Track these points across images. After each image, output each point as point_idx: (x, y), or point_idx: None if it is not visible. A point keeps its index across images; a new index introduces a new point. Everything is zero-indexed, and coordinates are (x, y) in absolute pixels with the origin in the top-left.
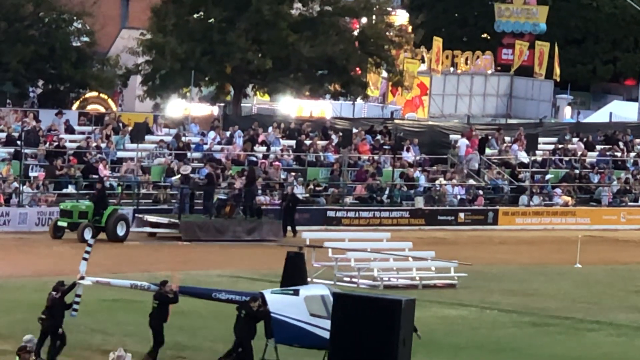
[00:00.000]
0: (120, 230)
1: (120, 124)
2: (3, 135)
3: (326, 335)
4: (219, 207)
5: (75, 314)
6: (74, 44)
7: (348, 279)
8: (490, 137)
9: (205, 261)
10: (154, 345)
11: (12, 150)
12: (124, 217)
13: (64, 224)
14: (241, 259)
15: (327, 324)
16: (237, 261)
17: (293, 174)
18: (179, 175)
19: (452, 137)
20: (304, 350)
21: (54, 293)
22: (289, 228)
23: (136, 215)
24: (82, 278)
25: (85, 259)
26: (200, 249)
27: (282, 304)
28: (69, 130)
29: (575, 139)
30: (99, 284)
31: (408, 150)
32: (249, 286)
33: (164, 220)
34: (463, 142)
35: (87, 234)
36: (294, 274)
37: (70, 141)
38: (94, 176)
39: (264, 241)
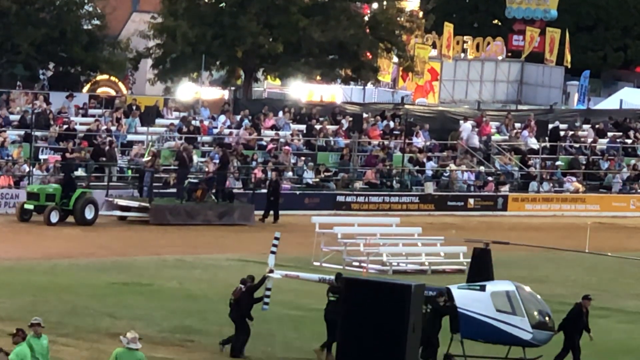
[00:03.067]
0: (89, 214)
1: (134, 107)
2: (14, 117)
3: (512, 330)
4: (190, 190)
5: (267, 308)
6: (85, 27)
7: (357, 264)
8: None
9: (215, 245)
10: (327, 341)
11: (22, 132)
12: (92, 200)
13: (31, 207)
14: (250, 242)
15: (512, 319)
16: (245, 245)
17: (303, 158)
18: (149, 157)
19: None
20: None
21: (241, 286)
22: (271, 213)
23: (106, 198)
24: (271, 271)
25: (273, 252)
26: (210, 233)
27: (468, 300)
28: (84, 113)
29: (585, 126)
30: (288, 278)
31: (418, 135)
32: (258, 270)
33: (134, 203)
34: (465, 126)
35: (54, 217)
36: (480, 269)
37: (81, 124)
38: (104, 159)
39: (235, 225)
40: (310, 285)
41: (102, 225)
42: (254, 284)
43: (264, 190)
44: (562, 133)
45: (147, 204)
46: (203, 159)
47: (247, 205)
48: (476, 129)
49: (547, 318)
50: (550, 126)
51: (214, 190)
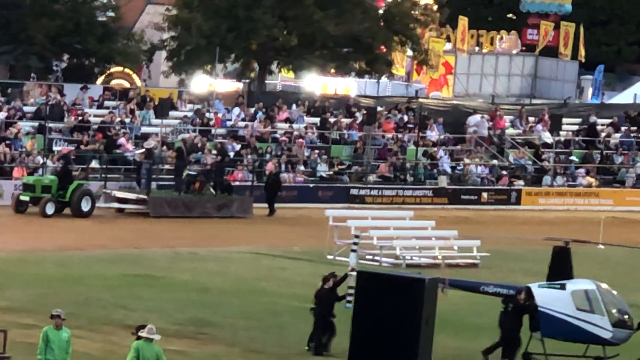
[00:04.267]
0: (85, 206)
1: (148, 98)
2: (28, 109)
3: (592, 329)
4: (189, 183)
5: (350, 306)
6: (100, 18)
7: (370, 257)
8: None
9: (227, 238)
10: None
11: (36, 124)
12: (89, 192)
13: (26, 198)
14: (261, 235)
15: (593, 318)
16: (257, 238)
17: (316, 151)
18: (143, 150)
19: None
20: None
21: (321, 283)
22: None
23: (104, 190)
24: (352, 270)
25: (354, 250)
26: (221, 225)
27: (549, 298)
28: (98, 105)
29: (600, 120)
30: None
31: (432, 129)
32: (270, 263)
33: (131, 195)
34: (472, 118)
35: (49, 209)
36: (560, 268)
37: (95, 116)
38: (117, 151)
39: (233, 218)
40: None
41: (114, 217)
42: (337, 280)
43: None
44: (575, 127)
45: (145, 196)
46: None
47: (246, 198)
48: (485, 119)
49: (626, 316)
50: (591, 120)
51: (212, 183)
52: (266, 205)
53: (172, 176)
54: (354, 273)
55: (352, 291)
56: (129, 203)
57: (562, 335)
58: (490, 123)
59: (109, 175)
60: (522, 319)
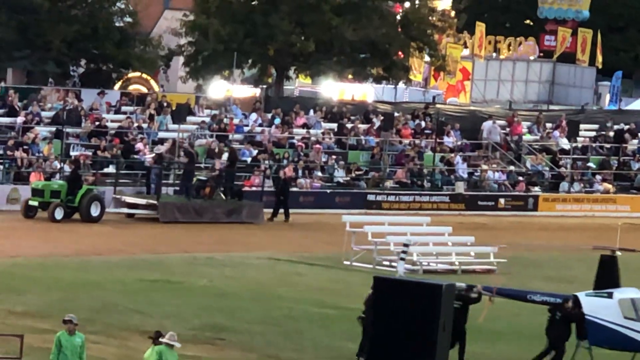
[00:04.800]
0: (95, 211)
1: (165, 103)
2: (45, 114)
3: (639, 337)
4: (199, 188)
5: None
6: (117, 24)
7: (387, 263)
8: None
9: (244, 243)
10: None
11: (54, 129)
12: (98, 197)
13: (35, 204)
14: (278, 241)
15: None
16: (274, 243)
17: (334, 157)
18: (153, 154)
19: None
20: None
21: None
22: (281, 211)
23: (113, 196)
24: (400, 277)
25: (402, 259)
26: (238, 230)
27: (596, 307)
28: (115, 110)
29: (616, 126)
30: None
31: (449, 135)
32: (287, 268)
33: (141, 201)
34: (487, 124)
35: (58, 214)
36: (607, 276)
37: (112, 121)
38: (135, 156)
39: (243, 223)
40: (340, 284)
41: (127, 223)
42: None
43: (297, 189)
44: (593, 133)
45: (155, 202)
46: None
47: (256, 203)
48: (498, 125)
49: None
50: (616, 127)
51: (222, 188)
52: (280, 210)
53: (182, 181)
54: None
55: None
56: (139, 208)
57: (609, 343)
58: (508, 129)
59: (121, 180)
60: (570, 327)
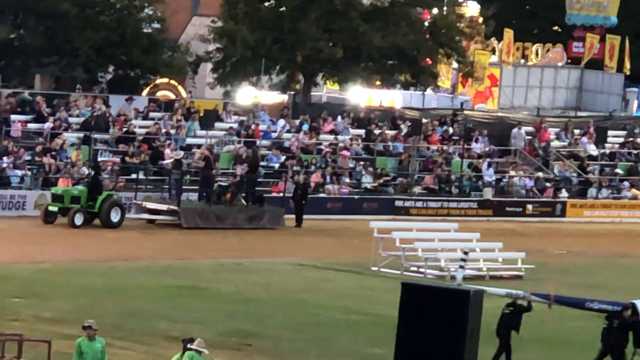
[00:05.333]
0: (115, 217)
1: (193, 110)
2: (73, 120)
3: None
4: (220, 194)
5: None
6: (145, 30)
7: (415, 269)
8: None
9: (271, 249)
10: (498, 351)
11: (82, 135)
12: (118, 203)
13: (55, 209)
14: (305, 247)
15: None
16: (301, 250)
17: (361, 163)
18: (171, 160)
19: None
20: None
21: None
22: (294, 216)
23: (134, 201)
24: (459, 286)
25: (462, 267)
26: (265, 236)
27: None
28: (143, 116)
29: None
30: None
31: (477, 141)
32: (314, 274)
33: (162, 207)
34: (518, 133)
35: (78, 219)
36: None
37: (140, 127)
38: (162, 162)
39: (265, 229)
40: (367, 290)
41: (154, 229)
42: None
43: (323, 195)
44: (621, 140)
45: (176, 207)
46: (261, 163)
47: (277, 209)
48: (523, 131)
49: None
50: None
51: (243, 194)
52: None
53: (201, 186)
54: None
55: None
56: (159, 214)
57: None
58: (536, 136)
59: (149, 186)
60: (627, 335)
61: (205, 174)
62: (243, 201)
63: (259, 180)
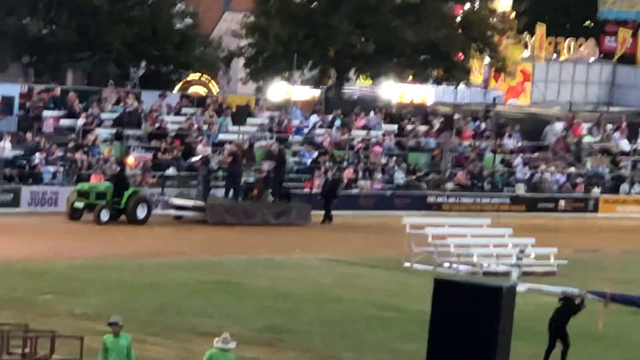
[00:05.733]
0: (141, 213)
1: (225, 105)
2: (105, 116)
3: None
4: (247, 190)
5: None
6: (177, 25)
7: (448, 265)
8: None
9: (303, 245)
10: (563, 347)
11: (114, 131)
12: (145, 199)
13: (81, 205)
14: (338, 243)
15: None
16: (334, 245)
17: (394, 158)
18: (199, 157)
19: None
20: None
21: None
22: (322, 212)
23: (161, 197)
24: (515, 284)
25: (518, 265)
26: (298, 232)
27: None
28: (176, 112)
29: None
30: (531, 291)
31: (510, 136)
32: (347, 270)
33: (189, 203)
34: (550, 128)
35: (104, 216)
36: None
37: (172, 123)
38: (190, 160)
39: (293, 225)
40: (400, 285)
41: (183, 225)
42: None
43: (355, 190)
44: None
45: (203, 203)
46: (294, 159)
47: (305, 205)
48: (555, 126)
49: None
50: None
51: (270, 190)
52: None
53: (227, 182)
54: (517, 288)
55: None
56: (186, 210)
57: None
58: (568, 131)
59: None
60: None
61: (232, 171)
62: (270, 197)
63: (290, 176)
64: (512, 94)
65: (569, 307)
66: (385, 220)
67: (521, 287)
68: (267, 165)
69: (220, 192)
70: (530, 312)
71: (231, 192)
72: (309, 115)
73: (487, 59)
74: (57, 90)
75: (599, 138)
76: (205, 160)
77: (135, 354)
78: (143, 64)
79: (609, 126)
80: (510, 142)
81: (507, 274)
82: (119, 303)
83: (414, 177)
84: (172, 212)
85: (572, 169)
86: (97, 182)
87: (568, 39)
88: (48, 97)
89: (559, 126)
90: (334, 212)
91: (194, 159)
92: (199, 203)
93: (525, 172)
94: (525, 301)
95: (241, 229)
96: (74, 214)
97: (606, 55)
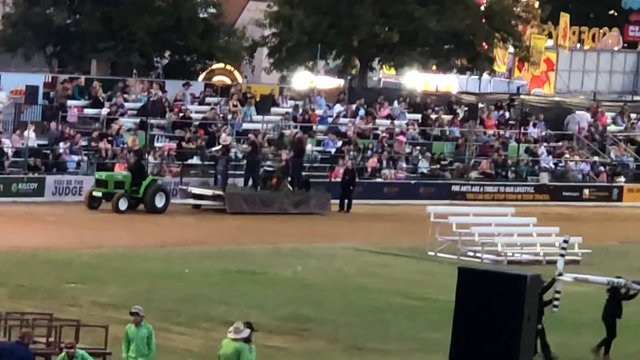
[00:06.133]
0: (159, 202)
1: (249, 95)
2: (130, 105)
3: None
4: (265, 179)
5: (556, 310)
6: (201, 15)
7: (472, 254)
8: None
9: (328, 234)
10: (607, 339)
11: (138, 120)
12: (163, 188)
13: (99, 194)
14: (362, 232)
15: None
16: (358, 234)
17: (418, 147)
18: (220, 146)
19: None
20: None
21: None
22: (346, 202)
23: (180, 186)
24: (560, 275)
25: (562, 255)
26: (322, 221)
27: None
28: (200, 101)
29: None
30: (577, 281)
31: (534, 125)
32: (372, 259)
33: (208, 192)
34: (571, 117)
35: (122, 205)
36: None
37: (196, 112)
38: (210, 149)
39: (311, 214)
40: (424, 274)
41: (206, 214)
42: (545, 285)
43: (380, 180)
44: None
45: (221, 192)
46: (318, 148)
47: (324, 194)
48: (576, 114)
49: None
50: None
51: (289, 179)
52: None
53: (246, 171)
54: (562, 278)
55: (558, 295)
56: (205, 199)
57: None
58: (592, 120)
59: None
60: None
61: (251, 159)
62: (289, 186)
63: (315, 165)
64: (536, 84)
65: (615, 297)
66: (410, 209)
67: (567, 277)
68: (285, 154)
69: (240, 182)
70: (560, 302)
71: (250, 182)
72: (333, 105)
73: (511, 49)
74: (81, 80)
75: (623, 127)
76: (226, 149)
77: (155, 344)
78: (167, 53)
79: (633, 115)
80: (534, 131)
81: (532, 263)
82: (144, 292)
83: (438, 166)
84: (191, 201)
85: (597, 158)
86: (122, 171)
87: (592, 28)
88: (72, 87)
89: (582, 115)
90: (355, 201)
91: (214, 148)
92: (218, 192)
93: (549, 161)
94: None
95: (266, 218)
96: (93, 203)
97: (630, 45)
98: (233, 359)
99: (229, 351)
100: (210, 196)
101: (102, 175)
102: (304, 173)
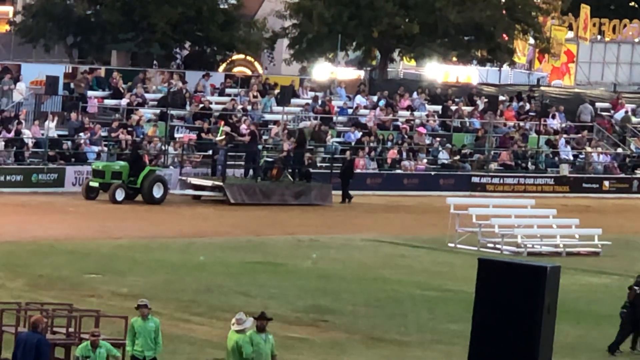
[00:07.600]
0: (157, 192)
1: (269, 86)
2: (150, 96)
3: None
4: (266, 169)
5: None
6: (222, 6)
7: (492, 245)
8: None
9: (348, 225)
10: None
11: (158, 111)
12: (160, 178)
13: (96, 185)
14: (383, 223)
15: None
16: (378, 226)
17: (438, 139)
18: (224, 136)
19: (598, 105)
20: None
21: (636, 288)
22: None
23: (179, 177)
24: None
25: None
26: (343, 213)
27: None
28: (220, 92)
29: None
30: None
31: (554, 117)
32: (391, 250)
33: (207, 182)
34: (584, 107)
35: (119, 195)
36: None
37: (216, 103)
38: (239, 138)
39: (313, 205)
40: (444, 266)
41: (223, 205)
42: None
43: (400, 171)
44: None
45: (221, 183)
46: (338, 139)
47: (325, 185)
48: (588, 105)
49: None
50: None
51: (290, 170)
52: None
53: (246, 162)
54: None
55: None
56: (204, 190)
57: None
58: (613, 110)
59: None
60: None
61: (250, 149)
62: (289, 177)
63: (334, 156)
64: (556, 75)
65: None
66: (430, 200)
67: None
68: (287, 145)
69: (237, 173)
70: (574, 293)
71: (250, 172)
72: (354, 96)
73: (531, 40)
74: (102, 71)
75: None
76: (231, 138)
77: (161, 337)
78: (187, 44)
79: None
80: (554, 123)
81: (552, 255)
82: (163, 283)
83: (458, 157)
84: (190, 191)
85: (617, 150)
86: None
87: (612, 20)
88: (92, 78)
89: (600, 105)
90: (375, 192)
91: (219, 137)
92: (217, 182)
93: (569, 152)
94: (569, 282)
95: (283, 209)
96: (90, 194)
97: None
98: (236, 353)
99: (229, 346)
100: (210, 187)
101: (99, 165)
102: (322, 164)
